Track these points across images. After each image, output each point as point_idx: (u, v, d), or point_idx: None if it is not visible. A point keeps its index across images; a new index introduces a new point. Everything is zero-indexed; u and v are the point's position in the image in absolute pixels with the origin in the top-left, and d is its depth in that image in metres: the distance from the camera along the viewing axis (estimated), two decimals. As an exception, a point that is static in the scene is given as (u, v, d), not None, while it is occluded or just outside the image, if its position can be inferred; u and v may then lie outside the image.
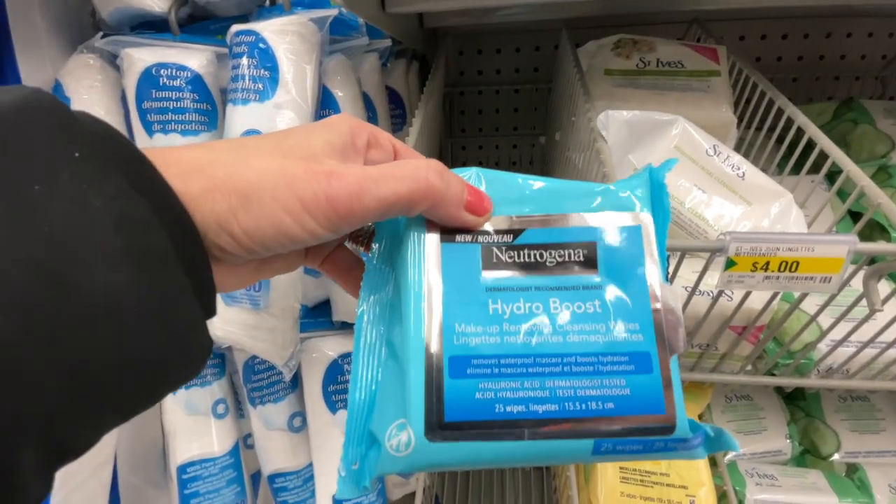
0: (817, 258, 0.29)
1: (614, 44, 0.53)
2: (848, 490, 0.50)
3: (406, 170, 0.18)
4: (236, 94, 0.39)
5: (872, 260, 0.31)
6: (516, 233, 0.20)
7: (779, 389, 0.63)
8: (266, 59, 0.39)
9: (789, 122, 0.42)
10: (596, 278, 0.20)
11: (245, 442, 0.55)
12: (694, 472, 0.46)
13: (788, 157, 0.46)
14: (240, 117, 0.39)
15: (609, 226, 0.20)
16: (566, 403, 0.18)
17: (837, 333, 0.37)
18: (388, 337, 0.20)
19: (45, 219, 0.13)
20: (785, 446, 0.57)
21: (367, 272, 0.21)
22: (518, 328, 0.19)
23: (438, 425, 0.18)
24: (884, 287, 0.44)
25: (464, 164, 0.31)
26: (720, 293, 0.34)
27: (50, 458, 0.13)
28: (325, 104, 0.46)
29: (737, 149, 0.53)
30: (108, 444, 0.49)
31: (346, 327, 0.51)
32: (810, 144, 0.40)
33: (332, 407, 0.47)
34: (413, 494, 0.62)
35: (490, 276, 0.20)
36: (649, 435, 0.18)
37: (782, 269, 0.29)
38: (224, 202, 0.16)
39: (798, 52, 0.74)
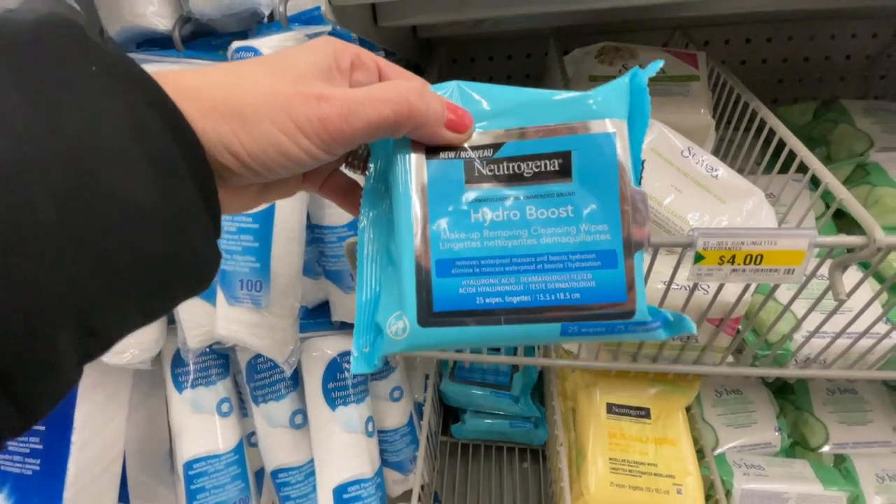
0: (780, 251, 0.31)
1: (598, 51, 0.56)
2: (833, 479, 0.52)
3: (389, 93, 0.19)
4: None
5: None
6: (496, 147, 0.22)
7: (768, 384, 0.64)
8: (264, 74, 0.41)
9: (764, 123, 0.44)
10: (570, 185, 0.22)
11: (249, 440, 0.57)
12: (681, 463, 0.48)
13: (776, 158, 0.47)
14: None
15: (584, 134, 0.22)
16: (538, 295, 0.22)
17: (814, 324, 0.39)
18: (387, 246, 0.23)
19: (72, 120, 0.13)
20: (774, 439, 0.59)
21: (365, 191, 0.23)
22: (497, 234, 0.22)
23: (429, 314, 0.22)
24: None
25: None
26: (695, 286, 0.36)
27: (83, 344, 0.14)
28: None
29: (720, 150, 0.55)
30: (118, 442, 0.52)
31: (344, 327, 0.53)
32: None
33: (332, 404, 0.49)
34: (407, 493, 0.64)
35: (472, 188, 0.22)
36: (611, 319, 0.21)
37: (748, 262, 0.31)
38: (226, 124, 0.17)
39: (783, 54, 0.76)
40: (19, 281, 0.12)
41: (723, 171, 0.40)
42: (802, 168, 0.40)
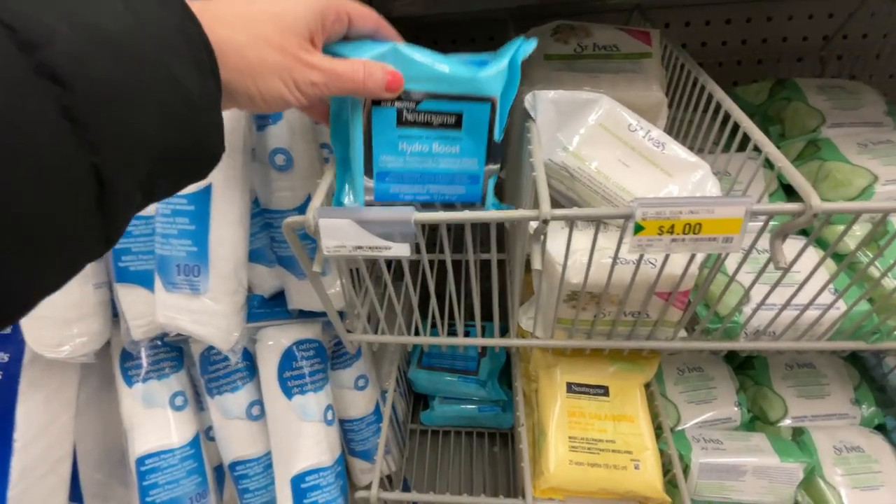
0: (717, 219, 0.30)
1: (553, 29, 0.55)
2: (790, 451, 0.53)
3: (355, 73, 0.29)
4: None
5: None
6: (418, 101, 0.33)
7: (729, 360, 0.65)
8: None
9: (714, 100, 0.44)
10: (459, 133, 0.35)
11: (208, 434, 0.55)
12: (638, 438, 0.48)
13: (734, 137, 0.48)
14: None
15: (471, 103, 0.34)
16: (434, 196, 0.36)
17: (764, 297, 0.39)
18: (345, 156, 0.36)
19: (151, 20, 0.18)
20: (734, 414, 0.60)
21: (331, 119, 0.35)
22: (414, 159, 0.35)
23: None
24: (811, 251, 0.47)
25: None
26: (641, 259, 0.36)
27: (143, 195, 0.19)
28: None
29: (679, 130, 0.55)
30: (66, 440, 0.50)
31: (301, 316, 0.52)
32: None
33: (288, 393, 0.48)
34: (384, 478, 0.63)
35: (401, 128, 0.34)
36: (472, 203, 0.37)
37: (687, 231, 0.31)
38: (245, 79, 0.24)
39: (742, 35, 0.76)
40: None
41: (669, 144, 0.40)
42: (759, 146, 0.40)
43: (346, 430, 0.61)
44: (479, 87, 0.33)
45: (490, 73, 0.33)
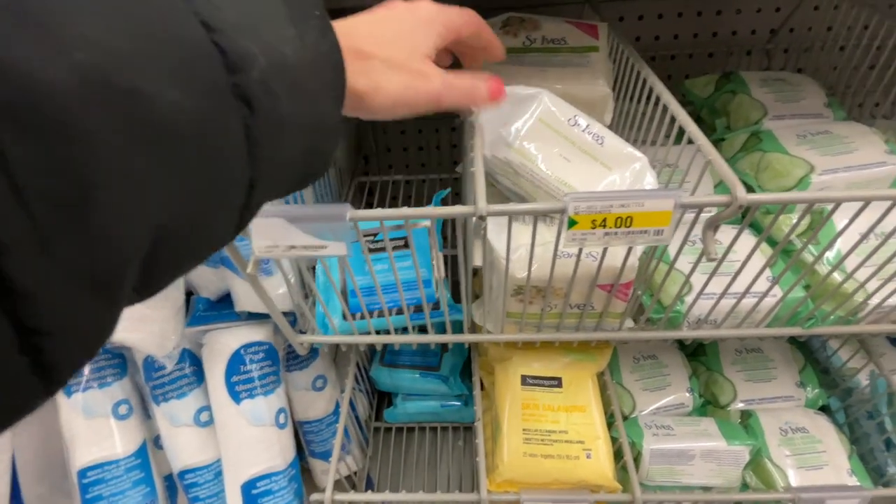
0: (648, 212, 0.31)
1: (503, 22, 0.55)
2: (736, 434, 0.54)
3: (464, 86, 0.30)
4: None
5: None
6: (376, 234, 0.49)
7: (683, 347, 0.67)
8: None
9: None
10: (409, 252, 0.43)
11: (157, 442, 0.54)
12: (590, 428, 0.49)
13: (684, 129, 0.48)
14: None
15: (416, 229, 0.49)
16: (399, 300, 0.44)
17: (702, 287, 0.40)
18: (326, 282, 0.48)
19: (311, 40, 0.19)
20: (687, 399, 0.61)
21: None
22: (377, 274, 0.42)
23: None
24: (752, 240, 0.48)
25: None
26: (580, 253, 0.36)
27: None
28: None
29: (627, 123, 0.55)
30: (3, 455, 0.47)
31: (251, 318, 0.51)
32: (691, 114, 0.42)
33: (236, 397, 0.47)
34: (338, 481, 0.63)
35: (366, 254, 0.39)
36: (433, 309, 0.46)
37: (619, 224, 0.31)
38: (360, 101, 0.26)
39: (693, 29, 0.78)
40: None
41: (608, 138, 0.40)
42: (692, 139, 0.40)
43: (307, 431, 0.60)
44: (421, 222, 0.48)
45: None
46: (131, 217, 0.12)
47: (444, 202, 0.56)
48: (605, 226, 0.31)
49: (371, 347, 0.73)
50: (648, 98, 0.49)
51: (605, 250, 0.36)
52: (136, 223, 0.13)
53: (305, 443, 0.62)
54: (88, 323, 0.13)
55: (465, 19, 0.32)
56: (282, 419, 0.50)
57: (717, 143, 0.62)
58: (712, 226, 0.34)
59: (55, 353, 0.12)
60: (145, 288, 0.15)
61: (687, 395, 0.61)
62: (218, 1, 0.15)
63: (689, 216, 0.34)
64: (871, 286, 0.42)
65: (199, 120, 0.14)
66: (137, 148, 0.12)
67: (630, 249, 0.36)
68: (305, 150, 0.20)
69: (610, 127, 0.52)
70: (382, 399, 0.79)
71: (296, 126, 0.18)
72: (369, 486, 0.69)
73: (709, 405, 0.64)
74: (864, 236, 0.35)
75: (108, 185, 0.12)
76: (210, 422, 0.49)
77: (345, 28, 0.24)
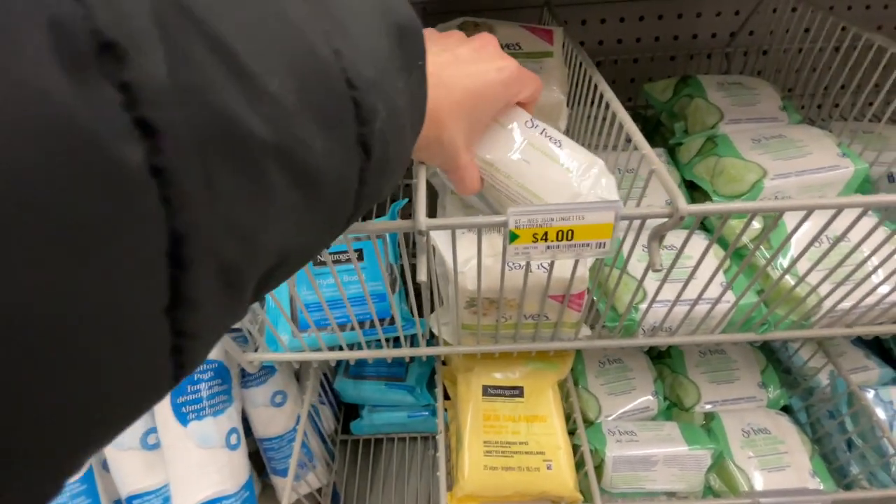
0: (589, 225, 0.30)
1: (458, 27, 0.54)
2: (698, 438, 0.54)
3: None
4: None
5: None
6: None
7: (648, 350, 0.67)
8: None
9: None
10: (364, 263, 0.49)
11: (105, 466, 0.51)
12: (551, 438, 0.48)
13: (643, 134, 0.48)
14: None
15: (367, 241, 0.50)
16: (355, 314, 0.44)
17: (661, 294, 0.40)
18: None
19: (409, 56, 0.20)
20: (652, 403, 0.61)
21: None
22: (324, 289, 0.47)
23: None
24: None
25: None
26: (528, 265, 0.35)
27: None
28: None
29: (581, 128, 0.55)
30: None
31: (202, 334, 0.49)
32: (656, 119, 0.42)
33: (183, 419, 0.45)
34: (310, 495, 0.61)
35: (317, 268, 0.47)
36: (387, 324, 0.48)
37: (560, 238, 0.30)
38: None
39: (654, 32, 0.78)
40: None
41: (565, 141, 0.39)
42: (637, 147, 0.40)
43: (267, 448, 0.59)
44: (375, 237, 0.44)
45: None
46: (276, 241, 0.15)
47: (402, 212, 0.55)
48: (546, 239, 0.30)
49: (337, 358, 0.71)
50: (593, 102, 0.49)
51: (552, 262, 0.35)
52: (276, 246, 0.15)
53: (266, 460, 0.60)
54: (223, 328, 0.14)
55: (536, 87, 0.35)
56: (233, 440, 0.48)
57: (675, 147, 0.62)
58: (657, 237, 0.33)
59: (191, 355, 0.13)
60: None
61: (652, 398, 0.61)
62: (355, 56, 0.16)
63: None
64: (824, 290, 0.43)
65: (339, 166, 0.16)
66: (296, 187, 0.14)
67: (576, 262, 0.36)
68: (390, 184, 0.22)
69: (566, 132, 0.52)
70: (351, 411, 0.77)
71: (393, 166, 0.20)
72: (335, 500, 0.67)
73: (674, 408, 0.64)
74: (814, 240, 0.35)
75: (276, 219, 0.14)
76: (158, 445, 0.47)
77: (434, 68, 0.25)
